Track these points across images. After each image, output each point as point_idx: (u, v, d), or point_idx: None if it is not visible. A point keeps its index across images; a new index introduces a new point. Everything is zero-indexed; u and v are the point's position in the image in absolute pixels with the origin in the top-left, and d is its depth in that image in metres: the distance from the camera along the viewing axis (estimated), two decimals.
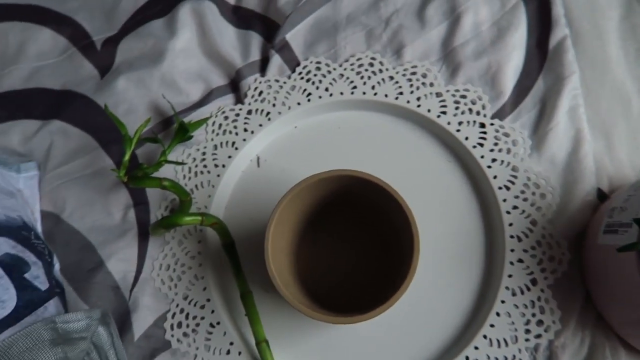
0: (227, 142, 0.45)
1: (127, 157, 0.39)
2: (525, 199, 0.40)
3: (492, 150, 0.41)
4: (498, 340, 0.37)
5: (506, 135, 0.42)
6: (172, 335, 0.41)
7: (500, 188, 0.40)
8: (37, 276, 0.37)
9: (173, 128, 0.46)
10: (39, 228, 0.45)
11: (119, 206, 0.44)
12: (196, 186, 0.44)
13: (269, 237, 0.33)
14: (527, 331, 0.37)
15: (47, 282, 0.39)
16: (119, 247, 0.43)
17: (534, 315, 0.37)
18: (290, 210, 0.36)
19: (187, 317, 0.41)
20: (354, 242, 0.41)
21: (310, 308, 0.32)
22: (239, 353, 0.40)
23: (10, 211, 0.40)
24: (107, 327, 0.36)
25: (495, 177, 0.41)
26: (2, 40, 0.51)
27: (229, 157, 0.45)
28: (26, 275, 0.37)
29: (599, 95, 0.43)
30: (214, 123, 0.46)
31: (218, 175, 0.44)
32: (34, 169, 0.47)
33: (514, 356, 0.37)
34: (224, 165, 0.44)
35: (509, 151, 0.41)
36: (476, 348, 0.37)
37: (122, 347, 0.38)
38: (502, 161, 0.41)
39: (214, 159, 0.45)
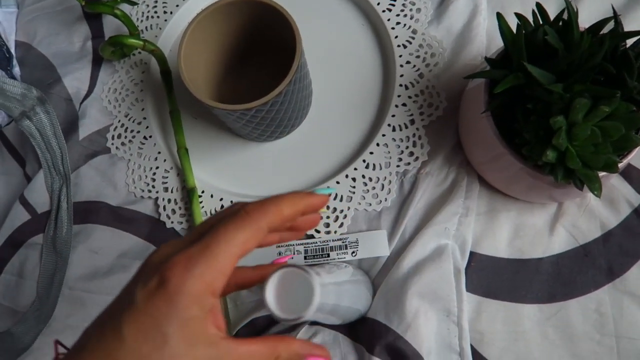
0: None
1: None
2: (417, 56, 0.46)
3: (398, 15, 0.48)
4: (374, 165, 0.44)
5: (412, 4, 0.48)
6: (112, 144, 0.49)
7: (398, 46, 0.47)
8: None
9: None
10: (13, 54, 0.53)
11: (80, 37, 0.52)
12: (146, 27, 0.52)
13: (182, 45, 0.40)
14: (399, 159, 0.44)
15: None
16: (75, 68, 0.51)
17: (407, 147, 0.44)
18: (208, 34, 0.42)
19: (125, 130, 0.49)
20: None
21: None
22: (164, 160, 0.48)
23: None
24: (47, 115, 0.44)
25: (396, 37, 0.47)
26: None
27: (177, 5, 0.51)
28: None
29: None
30: None
31: (165, 20, 0.51)
32: (13, 6, 0.54)
33: (385, 177, 0.44)
34: (171, 12, 0.51)
35: (412, 17, 0.48)
36: (355, 169, 0.44)
37: (63, 137, 0.46)
38: (405, 24, 0.47)
39: (163, 6, 0.52)
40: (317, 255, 0.42)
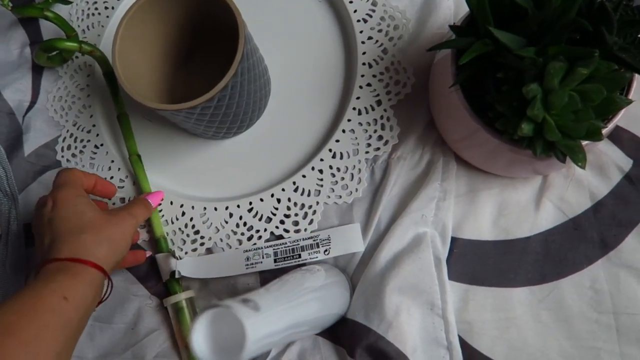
0: None
1: None
2: (380, 30, 0.43)
3: None
4: (341, 153, 0.41)
5: None
6: (63, 156, 0.45)
7: (358, 21, 0.43)
8: None
9: None
10: None
11: (17, 44, 0.48)
12: (87, 27, 0.48)
13: (116, 42, 0.36)
14: (368, 145, 0.41)
15: None
16: (14, 78, 0.47)
17: (375, 131, 0.41)
18: (146, 28, 0.38)
19: (75, 140, 0.46)
20: None
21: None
22: (118, 169, 0.44)
23: None
24: None
25: (355, 11, 0.43)
26: None
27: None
28: None
29: None
30: None
31: (107, 17, 0.47)
32: None
33: (354, 166, 0.41)
34: (113, 7, 0.47)
35: None
36: (321, 160, 0.41)
37: (5, 155, 0.43)
38: None
39: (104, 2, 0.48)
40: (287, 257, 0.39)
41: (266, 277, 0.40)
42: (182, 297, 0.40)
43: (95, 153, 0.45)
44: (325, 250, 0.39)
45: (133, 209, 0.37)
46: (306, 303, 0.30)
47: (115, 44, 0.36)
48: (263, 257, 0.39)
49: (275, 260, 0.39)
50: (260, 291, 0.27)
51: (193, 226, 0.42)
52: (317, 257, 0.39)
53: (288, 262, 0.39)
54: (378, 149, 0.41)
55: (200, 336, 0.21)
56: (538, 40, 0.32)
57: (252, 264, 0.40)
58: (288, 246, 0.39)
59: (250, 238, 0.41)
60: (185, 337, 0.39)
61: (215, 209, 0.41)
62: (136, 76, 0.38)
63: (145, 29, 0.38)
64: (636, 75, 0.34)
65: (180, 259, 0.40)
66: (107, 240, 0.34)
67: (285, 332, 0.25)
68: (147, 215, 0.39)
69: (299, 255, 0.39)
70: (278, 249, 0.39)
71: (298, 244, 0.39)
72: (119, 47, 0.36)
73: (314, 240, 0.39)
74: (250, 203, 0.41)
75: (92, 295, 0.32)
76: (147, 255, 0.41)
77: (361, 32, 0.43)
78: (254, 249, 0.40)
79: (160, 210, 0.42)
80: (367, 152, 0.41)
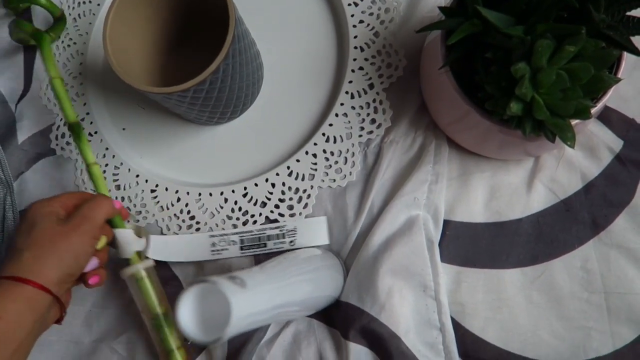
0: None
1: None
2: (371, 14, 0.43)
3: None
4: (335, 137, 0.41)
5: None
6: (57, 144, 0.46)
7: (349, 4, 0.43)
8: None
9: None
10: None
11: (8, 32, 0.48)
12: (79, 15, 0.48)
13: (107, 26, 0.36)
14: (361, 129, 0.41)
15: None
16: (6, 66, 0.47)
17: (368, 115, 0.41)
18: (138, 12, 0.38)
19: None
20: None
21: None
22: (113, 156, 0.44)
23: None
24: None
25: None
26: None
27: None
28: None
29: None
30: None
31: (98, 5, 0.47)
32: None
33: (348, 150, 0.41)
34: None
35: None
36: (315, 144, 0.41)
37: None
38: None
39: None
40: (253, 246, 0.39)
41: (261, 261, 0.40)
42: (140, 267, 0.38)
43: (89, 140, 0.45)
44: (291, 241, 0.39)
45: (86, 210, 0.33)
46: (298, 284, 0.30)
47: (105, 28, 0.36)
48: (229, 244, 0.39)
49: (241, 248, 0.39)
50: (252, 270, 0.27)
51: (189, 212, 0.42)
52: (282, 247, 0.39)
53: (254, 250, 0.39)
54: (371, 132, 0.41)
55: (185, 310, 0.21)
56: (526, 19, 0.32)
57: (218, 250, 0.40)
58: (254, 234, 0.39)
59: (245, 223, 0.41)
60: (151, 307, 0.38)
61: (210, 194, 0.42)
62: (128, 61, 0.38)
63: (136, 13, 0.38)
64: (625, 54, 0.34)
65: (141, 237, 0.39)
66: (52, 255, 0.31)
67: (274, 310, 0.26)
68: (109, 207, 0.35)
69: (265, 245, 0.39)
70: (244, 236, 0.40)
71: (264, 234, 0.39)
72: (110, 32, 0.36)
73: (280, 231, 0.39)
74: (245, 188, 0.41)
75: (32, 315, 0.30)
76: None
77: (352, 15, 0.43)
78: (220, 235, 0.40)
79: (156, 197, 0.42)
80: (360, 136, 0.41)
